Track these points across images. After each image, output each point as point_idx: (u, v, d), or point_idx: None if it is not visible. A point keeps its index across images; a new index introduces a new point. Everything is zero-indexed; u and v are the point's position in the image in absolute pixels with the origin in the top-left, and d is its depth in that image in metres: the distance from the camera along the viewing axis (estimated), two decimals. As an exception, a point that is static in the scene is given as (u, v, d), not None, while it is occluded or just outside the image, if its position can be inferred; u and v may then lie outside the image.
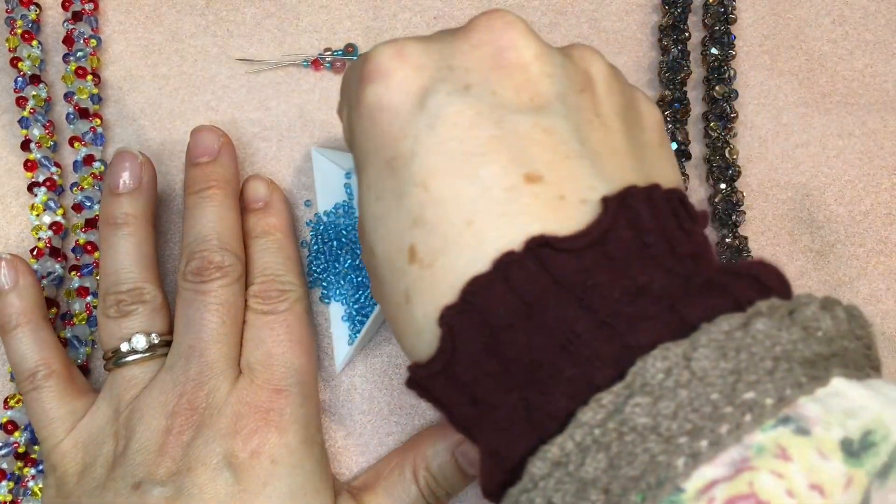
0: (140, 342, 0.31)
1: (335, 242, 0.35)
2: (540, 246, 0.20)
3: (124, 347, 0.31)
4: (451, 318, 0.20)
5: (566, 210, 0.20)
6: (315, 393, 0.32)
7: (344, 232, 0.35)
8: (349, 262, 0.35)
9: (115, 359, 0.31)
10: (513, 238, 0.20)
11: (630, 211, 0.20)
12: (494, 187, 0.21)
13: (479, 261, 0.20)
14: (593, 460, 0.18)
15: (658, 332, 0.19)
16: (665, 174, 0.24)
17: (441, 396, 0.22)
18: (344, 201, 0.36)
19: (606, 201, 0.20)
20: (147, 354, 0.31)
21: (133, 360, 0.31)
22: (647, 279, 0.20)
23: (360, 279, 0.34)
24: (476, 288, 0.20)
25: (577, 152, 0.21)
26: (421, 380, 0.22)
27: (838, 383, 0.18)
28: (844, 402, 0.18)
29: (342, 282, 0.35)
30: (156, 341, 0.31)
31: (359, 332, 0.34)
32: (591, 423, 0.18)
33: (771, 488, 0.17)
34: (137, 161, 0.32)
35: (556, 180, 0.21)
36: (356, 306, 0.34)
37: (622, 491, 0.17)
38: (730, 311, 0.19)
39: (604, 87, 0.23)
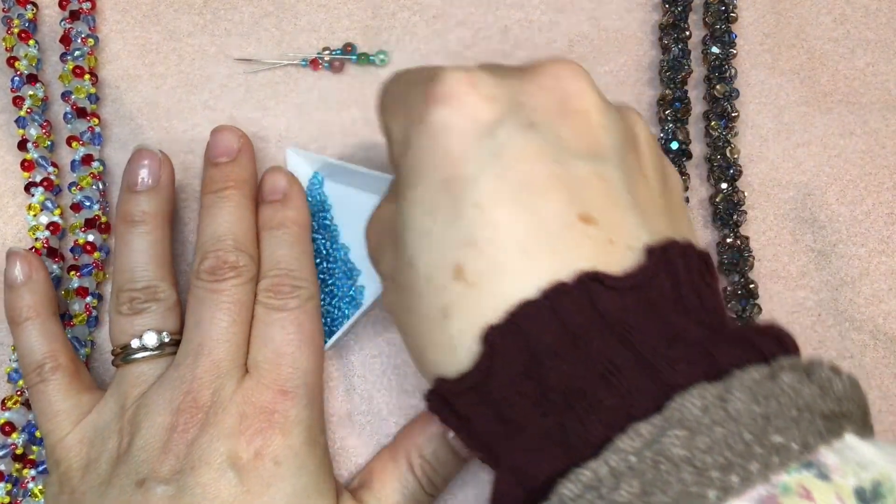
0: (151, 339, 0.31)
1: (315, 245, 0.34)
2: (591, 280, 0.21)
3: (135, 344, 0.31)
4: (494, 337, 0.21)
5: (614, 254, 0.22)
6: (320, 394, 0.31)
7: (322, 241, 0.35)
8: (323, 266, 0.34)
9: (125, 355, 0.31)
10: (562, 271, 0.21)
11: (670, 263, 0.22)
12: (552, 221, 0.22)
13: (528, 288, 0.21)
14: (627, 485, 0.19)
15: (694, 374, 0.20)
16: (690, 233, 0.25)
17: (466, 412, 0.23)
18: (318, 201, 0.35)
19: (651, 251, 0.22)
20: (157, 352, 0.31)
21: (142, 358, 0.31)
22: (682, 327, 0.21)
23: (328, 288, 0.34)
24: (525, 312, 0.21)
25: (627, 202, 0.23)
26: (448, 394, 0.23)
27: (850, 438, 0.20)
28: (856, 455, 0.19)
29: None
30: (166, 340, 0.31)
31: (328, 339, 0.33)
32: (628, 450, 0.19)
33: None
34: (157, 159, 0.32)
35: (608, 225, 0.22)
36: (328, 317, 0.34)
37: None
38: (757, 363, 0.20)
39: (646, 147, 0.25)
